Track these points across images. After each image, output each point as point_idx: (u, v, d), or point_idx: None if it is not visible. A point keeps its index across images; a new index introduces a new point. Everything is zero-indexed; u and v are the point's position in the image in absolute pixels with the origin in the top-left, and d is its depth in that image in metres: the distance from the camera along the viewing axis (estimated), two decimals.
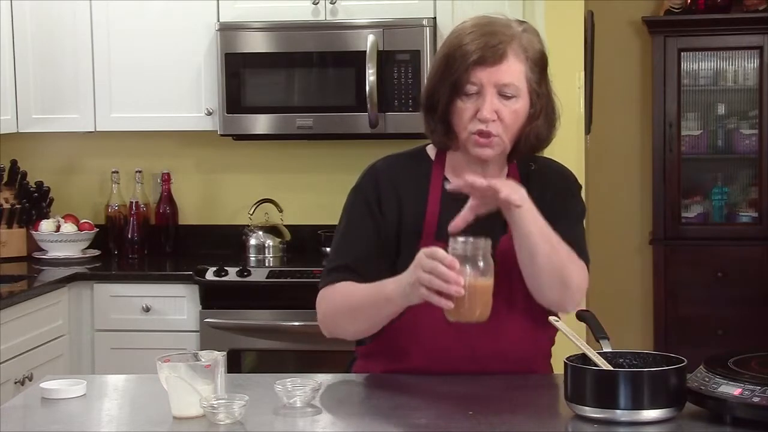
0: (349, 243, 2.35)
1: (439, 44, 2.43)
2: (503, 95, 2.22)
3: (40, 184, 4.61)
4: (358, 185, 2.38)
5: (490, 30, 2.23)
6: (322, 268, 2.38)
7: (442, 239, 2.27)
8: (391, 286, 2.16)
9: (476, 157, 2.27)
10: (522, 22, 2.30)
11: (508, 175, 2.35)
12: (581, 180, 2.53)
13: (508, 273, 2.26)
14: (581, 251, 2.32)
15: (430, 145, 2.39)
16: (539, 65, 2.26)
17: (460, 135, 2.26)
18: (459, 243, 2.07)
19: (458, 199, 2.30)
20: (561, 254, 2.21)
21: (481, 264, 2.05)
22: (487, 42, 2.20)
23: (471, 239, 2.06)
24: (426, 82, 2.33)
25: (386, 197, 2.33)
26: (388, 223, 2.31)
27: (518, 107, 2.23)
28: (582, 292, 2.27)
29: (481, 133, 2.22)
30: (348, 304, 2.28)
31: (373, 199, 2.33)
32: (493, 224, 2.27)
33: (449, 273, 2.01)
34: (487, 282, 2.06)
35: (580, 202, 2.42)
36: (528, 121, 2.26)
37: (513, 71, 2.22)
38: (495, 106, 2.21)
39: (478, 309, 2.05)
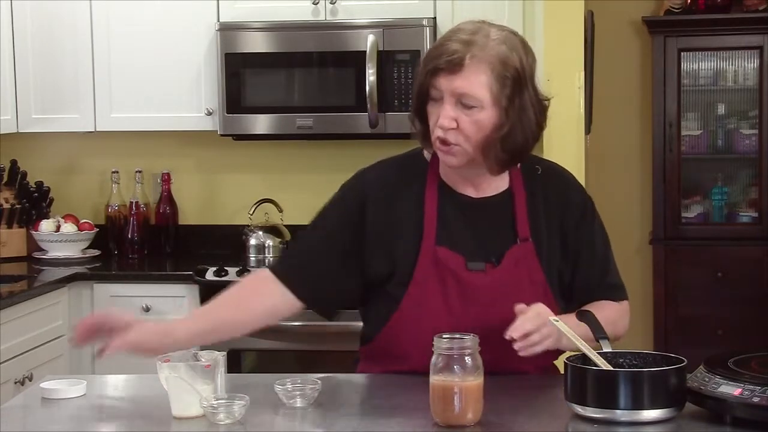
0: (309, 241, 2.38)
1: None
2: (463, 104, 2.18)
3: (40, 184, 4.61)
4: (344, 194, 2.37)
5: (461, 38, 2.19)
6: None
7: (442, 244, 2.27)
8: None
9: (443, 163, 2.27)
10: (504, 32, 2.22)
11: (511, 179, 2.33)
12: (581, 180, 2.53)
13: (517, 282, 2.26)
14: (618, 288, 2.40)
15: None
16: (511, 79, 2.18)
17: (431, 139, 2.25)
18: (444, 341, 1.96)
19: (455, 200, 2.30)
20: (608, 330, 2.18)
21: (468, 362, 1.94)
22: (454, 50, 2.17)
23: (457, 336, 1.97)
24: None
25: (373, 207, 2.30)
26: (370, 237, 2.29)
27: (480, 117, 2.17)
28: (627, 327, 2.42)
29: (442, 141, 2.20)
30: (216, 300, 2.41)
31: (355, 210, 2.31)
32: (503, 234, 2.27)
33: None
34: (476, 382, 1.94)
35: (601, 228, 2.39)
36: (495, 132, 2.19)
37: (472, 81, 2.16)
38: (453, 114, 2.17)
39: (469, 411, 1.94)
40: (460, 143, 2.19)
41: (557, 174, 2.40)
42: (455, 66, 2.16)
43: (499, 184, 2.32)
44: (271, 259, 4.36)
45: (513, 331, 2.09)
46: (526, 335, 2.09)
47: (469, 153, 2.21)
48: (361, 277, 2.32)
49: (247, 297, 2.36)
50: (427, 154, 2.37)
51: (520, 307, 2.14)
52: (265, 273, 2.36)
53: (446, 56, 2.17)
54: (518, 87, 2.19)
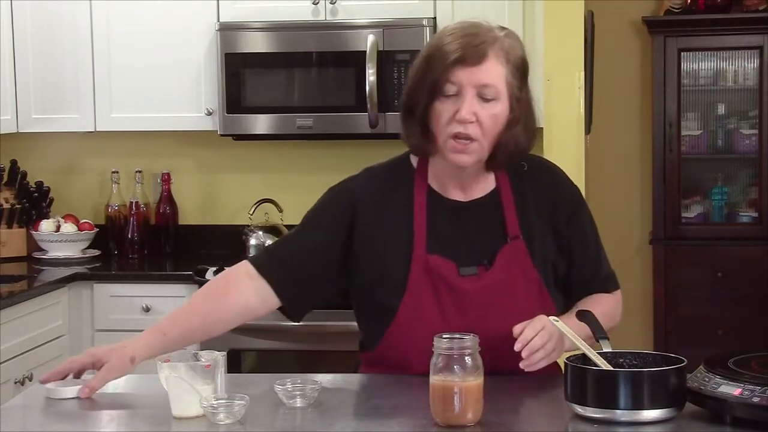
0: (299, 242, 2.34)
1: None
2: (483, 97, 2.17)
3: (40, 184, 4.61)
4: (334, 197, 2.36)
5: (471, 31, 2.19)
6: None
7: (433, 252, 2.26)
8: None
9: (452, 164, 2.23)
10: (504, 28, 2.26)
11: (497, 178, 2.32)
12: (581, 180, 2.53)
13: (511, 281, 2.26)
14: (611, 279, 2.39)
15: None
16: (520, 71, 2.22)
17: (438, 139, 2.21)
18: (444, 341, 1.95)
19: (444, 205, 2.29)
20: (606, 324, 2.20)
21: (468, 362, 1.94)
22: (469, 42, 2.17)
23: (457, 336, 1.96)
24: (406, 85, 2.28)
25: (364, 212, 2.29)
26: (360, 242, 2.28)
27: (497, 111, 2.18)
28: (620, 316, 2.40)
29: (459, 136, 2.18)
30: (190, 301, 2.39)
31: (347, 214, 2.30)
32: (493, 235, 2.27)
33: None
34: (476, 382, 1.94)
35: (590, 219, 2.40)
36: (507, 127, 2.20)
37: (493, 73, 2.17)
38: (474, 108, 2.16)
39: (469, 411, 1.93)
40: (478, 138, 2.18)
41: (545, 169, 2.39)
42: (478, 57, 2.16)
43: (486, 185, 2.32)
44: None
45: (519, 345, 2.10)
46: (531, 352, 2.09)
47: (483, 149, 2.20)
48: (345, 281, 2.32)
49: (217, 300, 2.32)
50: (413, 160, 2.35)
51: (518, 327, 2.13)
52: (242, 270, 2.32)
53: (469, 48, 2.16)
54: (524, 81, 2.23)
